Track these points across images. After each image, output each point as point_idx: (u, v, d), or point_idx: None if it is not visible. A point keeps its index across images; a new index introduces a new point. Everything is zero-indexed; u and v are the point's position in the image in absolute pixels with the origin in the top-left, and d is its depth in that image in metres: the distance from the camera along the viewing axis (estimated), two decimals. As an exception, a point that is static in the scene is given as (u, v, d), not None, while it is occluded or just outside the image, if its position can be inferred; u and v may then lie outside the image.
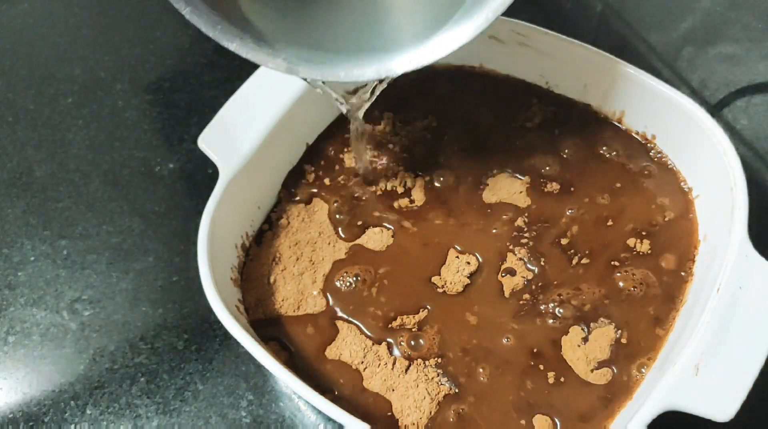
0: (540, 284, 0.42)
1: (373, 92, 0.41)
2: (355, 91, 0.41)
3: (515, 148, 0.47)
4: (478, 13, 0.34)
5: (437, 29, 0.36)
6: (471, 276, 0.42)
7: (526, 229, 0.44)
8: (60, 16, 0.65)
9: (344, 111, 0.43)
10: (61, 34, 0.63)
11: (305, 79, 0.38)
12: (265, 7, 0.38)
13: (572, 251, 0.43)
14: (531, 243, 0.43)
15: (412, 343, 0.40)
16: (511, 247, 0.43)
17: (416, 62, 0.36)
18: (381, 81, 0.40)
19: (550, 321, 0.41)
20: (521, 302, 0.41)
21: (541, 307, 0.41)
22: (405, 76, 0.37)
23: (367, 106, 0.42)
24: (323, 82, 0.39)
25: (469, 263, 0.43)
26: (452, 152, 0.47)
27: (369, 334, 0.41)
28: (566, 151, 0.47)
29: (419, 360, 0.40)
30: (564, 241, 0.43)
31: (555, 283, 0.42)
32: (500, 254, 0.43)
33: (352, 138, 0.45)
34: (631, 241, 0.43)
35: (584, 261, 0.43)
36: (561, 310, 0.41)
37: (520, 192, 0.45)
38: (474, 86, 0.50)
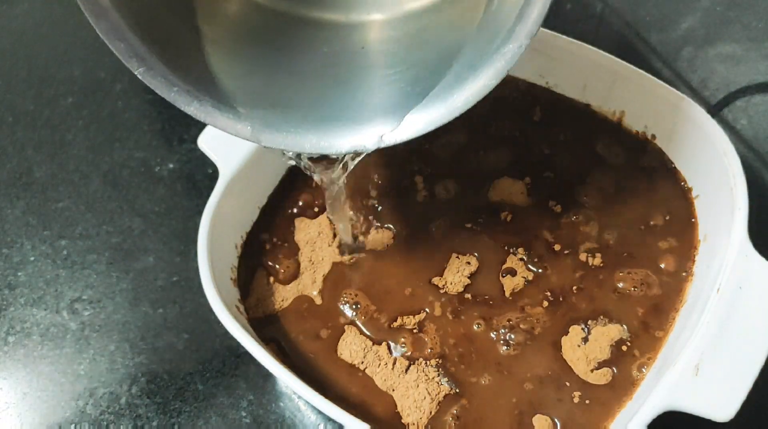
0: (540, 285, 0.42)
1: (345, 166, 0.38)
2: (326, 162, 0.38)
3: (515, 148, 0.47)
4: (459, 92, 0.31)
5: (413, 103, 0.32)
6: (471, 276, 0.42)
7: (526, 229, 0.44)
8: (59, 17, 0.65)
9: (317, 180, 0.40)
10: (60, 35, 0.63)
11: (267, 147, 0.34)
12: (235, 61, 0.35)
13: (569, 251, 0.43)
14: (531, 243, 0.43)
15: (413, 343, 0.40)
16: (511, 248, 0.43)
17: (389, 139, 0.32)
18: (354, 156, 0.37)
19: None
20: (521, 303, 0.41)
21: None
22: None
23: (342, 178, 0.40)
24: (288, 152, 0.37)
25: (469, 263, 0.43)
26: (451, 154, 0.47)
27: (369, 334, 0.41)
28: (565, 151, 0.47)
29: (420, 360, 0.40)
30: (562, 243, 0.43)
31: (555, 283, 0.42)
32: (501, 254, 0.43)
33: (328, 206, 0.42)
34: (630, 241, 0.43)
35: (583, 261, 0.43)
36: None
37: (521, 193, 0.45)
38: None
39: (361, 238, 0.44)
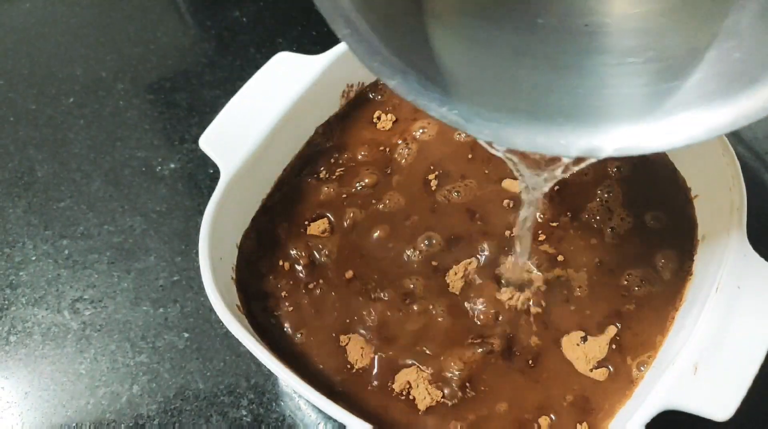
0: (537, 284, 0.42)
1: (566, 170, 0.32)
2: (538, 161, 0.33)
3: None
4: (755, 92, 0.25)
5: (669, 102, 0.26)
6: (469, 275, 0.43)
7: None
8: (61, 16, 0.65)
9: (521, 187, 0.35)
10: (62, 34, 0.64)
11: (482, 140, 0.29)
12: (444, 34, 0.30)
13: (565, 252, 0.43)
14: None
15: (414, 342, 0.40)
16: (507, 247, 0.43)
17: (646, 144, 0.26)
18: (577, 161, 0.31)
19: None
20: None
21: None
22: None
23: (547, 186, 0.34)
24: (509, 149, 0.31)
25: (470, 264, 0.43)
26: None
27: (370, 333, 0.41)
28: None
29: (421, 360, 0.40)
30: (557, 243, 0.43)
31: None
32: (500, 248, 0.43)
33: (519, 228, 0.37)
34: (629, 241, 0.43)
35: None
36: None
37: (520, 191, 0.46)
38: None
39: (534, 272, 0.41)
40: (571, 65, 0.30)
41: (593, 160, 0.30)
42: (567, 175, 0.33)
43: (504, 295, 0.41)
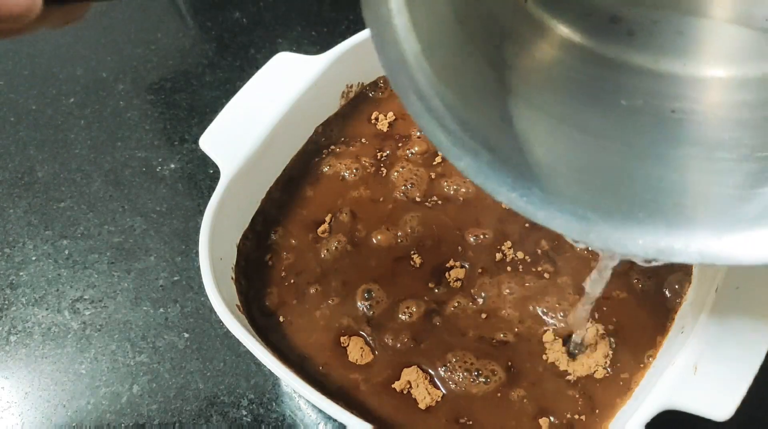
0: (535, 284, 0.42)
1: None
2: None
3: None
4: None
5: (758, 210, 0.23)
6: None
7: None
8: (62, 17, 0.65)
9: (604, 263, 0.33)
10: (63, 35, 0.64)
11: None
12: (540, 121, 0.28)
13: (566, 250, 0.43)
14: (530, 244, 0.44)
15: (414, 342, 0.40)
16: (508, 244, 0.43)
17: (720, 256, 0.23)
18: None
19: (551, 321, 0.41)
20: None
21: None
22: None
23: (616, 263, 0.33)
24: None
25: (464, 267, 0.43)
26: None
27: (370, 333, 0.41)
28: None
29: (422, 359, 0.40)
30: (560, 243, 0.43)
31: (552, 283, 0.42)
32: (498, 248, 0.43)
33: (590, 282, 0.35)
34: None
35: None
36: (562, 314, 0.41)
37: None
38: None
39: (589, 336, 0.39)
40: (655, 155, 0.27)
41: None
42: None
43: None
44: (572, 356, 0.39)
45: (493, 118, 0.28)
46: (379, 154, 0.48)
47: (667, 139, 0.28)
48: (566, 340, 0.40)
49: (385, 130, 0.49)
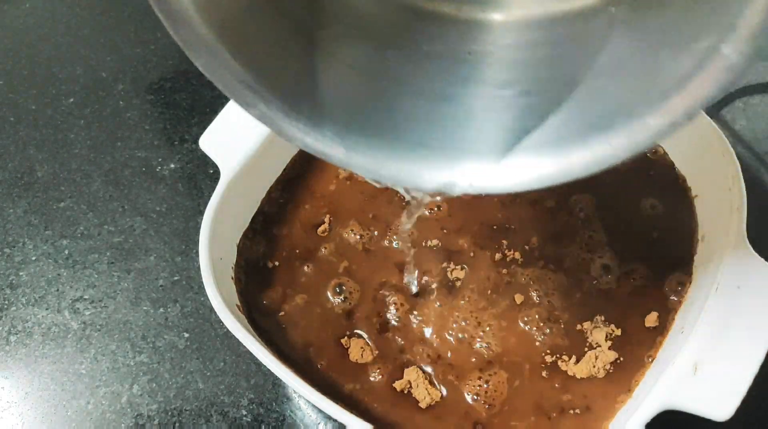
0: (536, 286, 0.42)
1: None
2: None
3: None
4: (597, 142, 0.24)
5: (524, 142, 0.25)
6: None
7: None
8: (62, 16, 0.65)
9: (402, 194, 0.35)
10: (62, 34, 0.64)
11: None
12: (339, 70, 0.29)
13: (566, 251, 0.43)
14: (529, 243, 0.44)
15: (415, 342, 0.40)
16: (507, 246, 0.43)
17: (478, 185, 0.26)
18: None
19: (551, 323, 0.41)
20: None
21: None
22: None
23: (425, 204, 0.35)
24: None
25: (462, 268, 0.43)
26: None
27: (370, 332, 0.41)
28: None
29: (422, 359, 0.40)
30: (559, 243, 0.43)
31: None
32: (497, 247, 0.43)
33: (404, 217, 0.38)
34: (629, 240, 0.43)
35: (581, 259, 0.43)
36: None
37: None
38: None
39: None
40: (448, 96, 0.29)
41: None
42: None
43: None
44: (416, 295, 0.41)
45: (288, 67, 0.28)
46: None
47: (460, 80, 0.29)
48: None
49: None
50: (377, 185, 0.30)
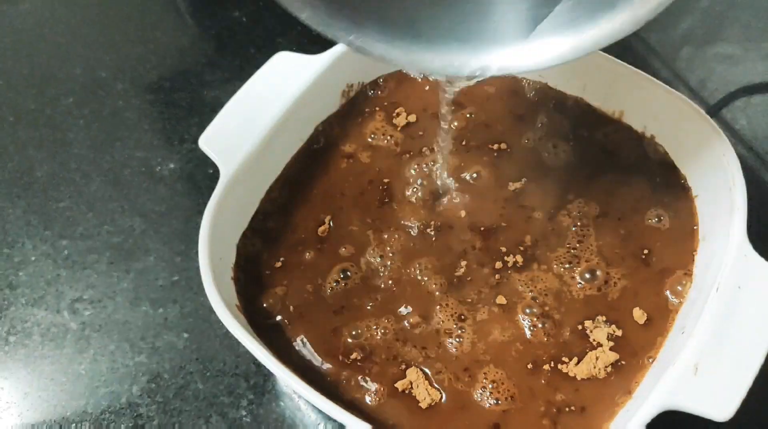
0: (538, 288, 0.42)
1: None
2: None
3: (519, 148, 0.48)
4: (605, 18, 0.28)
5: (543, 25, 0.30)
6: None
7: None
8: (61, 16, 0.65)
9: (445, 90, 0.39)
10: (62, 34, 0.64)
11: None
12: None
13: (566, 251, 0.43)
14: (530, 242, 0.44)
15: (416, 342, 0.40)
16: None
17: (505, 65, 0.30)
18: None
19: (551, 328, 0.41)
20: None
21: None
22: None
23: (459, 87, 0.39)
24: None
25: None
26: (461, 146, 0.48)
27: (370, 333, 0.41)
28: (564, 151, 0.47)
29: (423, 360, 0.40)
30: (558, 243, 0.43)
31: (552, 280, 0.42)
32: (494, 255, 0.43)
33: (441, 116, 0.41)
34: (629, 240, 0.43)
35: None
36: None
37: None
38: (475, 87, 0.50)
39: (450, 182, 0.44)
40: None
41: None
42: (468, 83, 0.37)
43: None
44: (438, 199, 0.44)
45: None
46: (381, 154, 0.48)
47: None
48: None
49: (386, 129, 0.49)
50: (417, 76, 0.37)
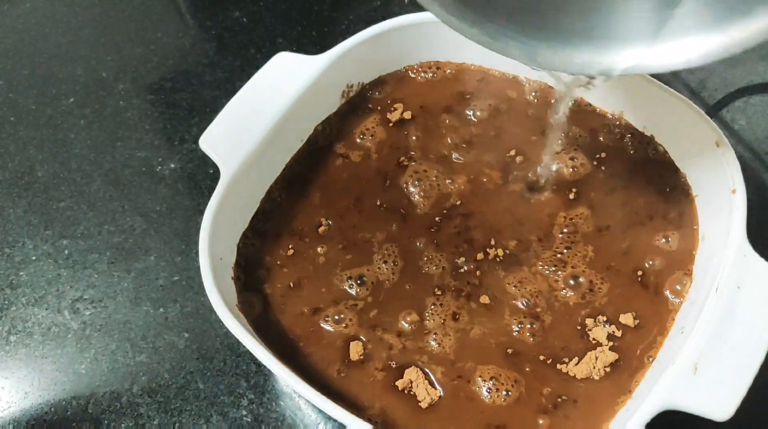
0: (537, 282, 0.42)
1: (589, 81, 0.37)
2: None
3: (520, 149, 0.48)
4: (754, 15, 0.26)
5: (682, 20, 0.28)
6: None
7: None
8: (62, 16, 0.65)
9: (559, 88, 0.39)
10: (63, 34, 0.64)
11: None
12: None
13: (565, 250, 0.43)
14: (530, 241, 0.44)
15: (416, 342, 0.40)
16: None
17: (646, 63, 0.30)
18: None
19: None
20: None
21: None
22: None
23: (577, 90, 0.39)
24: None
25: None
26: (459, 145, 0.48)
27: (370, 333, 0.41)
28: (564, 150, 0.47)
29: (423, 360, 0.40)
30: (559, 242, 0.43)
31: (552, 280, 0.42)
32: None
33: (554, 121, 0.41)
34: (629, 240, 0.43)
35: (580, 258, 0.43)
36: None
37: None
38: (476, 86, 0.50)
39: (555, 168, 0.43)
40: None
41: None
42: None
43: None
44: (532, 190, 0.44)
45: None
46: (379, 154, 0.48)
47: None
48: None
49: (386, 128, 0.49)
50: (534, 67, 0.34)
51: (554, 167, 0.45)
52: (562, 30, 0.31)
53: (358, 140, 0.48)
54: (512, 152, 0.47)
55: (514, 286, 0.42)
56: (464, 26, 0.31)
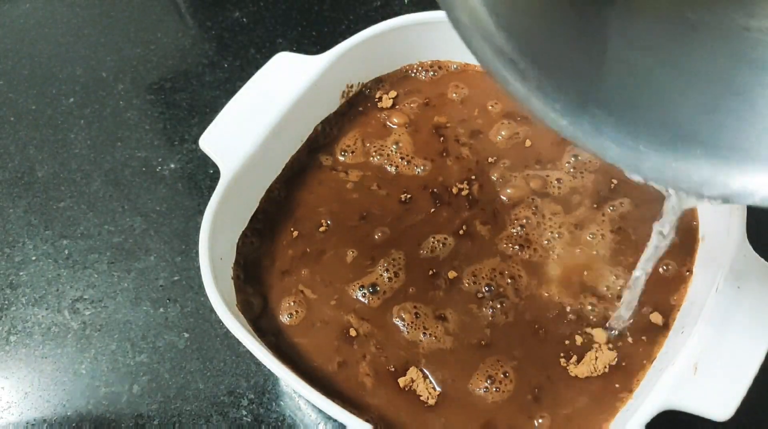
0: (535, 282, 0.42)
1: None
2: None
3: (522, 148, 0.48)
4: None
5: None
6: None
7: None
8: (62, 17, 0.65)
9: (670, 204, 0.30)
10: (63, 35, 0.64)
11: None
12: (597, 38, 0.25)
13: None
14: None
15: (416, 342, 0.40)
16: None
17: None
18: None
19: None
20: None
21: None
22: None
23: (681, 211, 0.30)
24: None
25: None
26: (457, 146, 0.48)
27: (370, 332, 0.41)
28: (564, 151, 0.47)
29: (423, 359, 0.40)
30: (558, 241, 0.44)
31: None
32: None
33: (647, 254, 0.32)
34: (629, 241, 0.43)
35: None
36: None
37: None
38: (478, 86, 0.50)
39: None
40: (721, 80, 0.24)
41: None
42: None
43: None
44: (613, 335, 0.39)
45: (546, 40, 0.25)
46: (379, 154, 0.48)
47: (737, 63, 0.24)
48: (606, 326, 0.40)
49: (385, 128, 0.49)
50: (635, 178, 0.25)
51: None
52: (676, 130, 0.23)
53: (359, 140, 0.48)
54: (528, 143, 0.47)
55: (512, 285, 0.42)
56: (553, 115, 0.23)
